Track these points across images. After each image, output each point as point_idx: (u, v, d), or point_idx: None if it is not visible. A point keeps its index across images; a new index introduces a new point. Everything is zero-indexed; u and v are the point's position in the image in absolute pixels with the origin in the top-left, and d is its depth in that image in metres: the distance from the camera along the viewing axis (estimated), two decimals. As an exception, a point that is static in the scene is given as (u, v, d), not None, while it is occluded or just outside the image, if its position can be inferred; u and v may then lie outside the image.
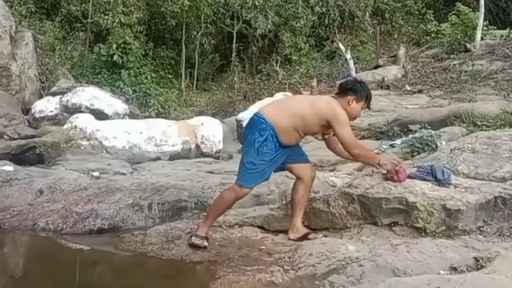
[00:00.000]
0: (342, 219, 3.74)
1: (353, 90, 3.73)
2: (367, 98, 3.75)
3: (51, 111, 8.23)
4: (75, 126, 6.90)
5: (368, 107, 3.85)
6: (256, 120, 3.66)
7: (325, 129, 3.79)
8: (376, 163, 3.74)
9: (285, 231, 3.82)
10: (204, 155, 7.44)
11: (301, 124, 3.65)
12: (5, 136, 7.06)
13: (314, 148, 6.36)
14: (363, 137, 6.87)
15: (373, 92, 9.37)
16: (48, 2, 12.77)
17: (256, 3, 13.87)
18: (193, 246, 3.67)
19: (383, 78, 10.09)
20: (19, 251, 4.28)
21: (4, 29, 8.76)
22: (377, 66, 11.52)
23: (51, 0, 12.80)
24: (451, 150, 4.58)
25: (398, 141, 5.68)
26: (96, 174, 5.29)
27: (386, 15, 15.20)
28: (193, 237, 3.70)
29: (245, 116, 9.04)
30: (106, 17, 11.97)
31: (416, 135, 5.45)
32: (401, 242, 3.33)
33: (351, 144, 3.65)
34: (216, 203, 3.80)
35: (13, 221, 4.40)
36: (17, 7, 11.12)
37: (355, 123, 7.25)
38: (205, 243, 3.68)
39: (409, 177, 3.75)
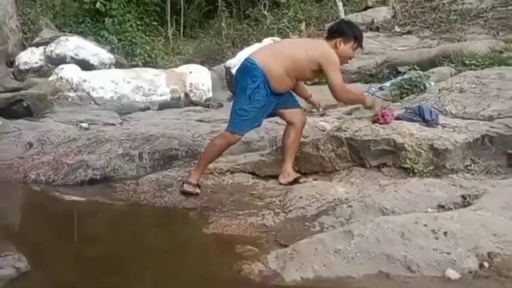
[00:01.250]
0: (331, 163, 3.78)
1: (339, 31, 3.67)
2: (356, 38, 3.67)
3: (36, 63, 8.05)
4: (61, 78, 6.77)
5: (360, 46, 3.77)
6: (248, 66, 3.61)
7: (317, 74, 3.75)
8: (365, 105, 3.75)
9: (276, 177, 3.86)
10: (193, 103, 7.38)
11: (292, 69, 3.61)
12: (-10, 90, 6.93)
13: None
14: (352, 81, 6.84)
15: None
16: None
17: None
18: (185, 193, 3.71)
19: (372, 20, 9.93)
20: (11, 203, 4.29)
21: (-20, -22, 8.43)
22: (366, 8, 11.28)
23: None
24: (439, 90, 4.58)
25: (387, 84, 5.67)
26: (85, 125, 5.26)
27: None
28: (185, 184, 3.74)
29: (234, 63, 8.90)
30: (87, -37, 11.50)
31: (405, 76, 5.43)
32: (390, 183, 3.38)
33: (339, 90, 3.61)
34: (207, 150, 3.81)
35: (3, 175, 4.41)
36: (-8, -46, 10.64)
37: (345, 66, 7.22)
38: (197, 190, 3.72)
39: (397, 118, 3.77)
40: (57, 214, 3.84)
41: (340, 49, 3.62)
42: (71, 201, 4.09)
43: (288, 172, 3.77)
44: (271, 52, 3.76)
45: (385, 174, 3.60)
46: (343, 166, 3.74)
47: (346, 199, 3.26)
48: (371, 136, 3.59)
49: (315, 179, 3.70)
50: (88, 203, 4.03)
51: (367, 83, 6.41)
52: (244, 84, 3.58)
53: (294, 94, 3.93)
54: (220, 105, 7.54)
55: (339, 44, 3.62)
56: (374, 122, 3.71)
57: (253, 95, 3.56)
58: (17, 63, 8.24)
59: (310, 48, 3.69)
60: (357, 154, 3.67)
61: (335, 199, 3.29)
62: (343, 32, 3.67)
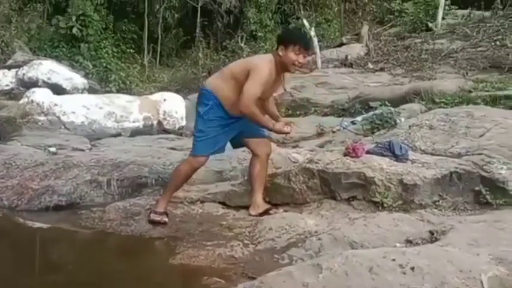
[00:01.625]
0: (303, 194, 3.77)
1: (279, 39, 3.75)
2: (296, 41, 3.59)
3: (7, 85, 7.91)
4: (32, 101, 6.64)
5: (305, 49, 3.65)
6: (202, 92, 3.71)
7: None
8: (270, 127, 3.69)
9: (247, 207, 3.83)
10: (166, 131, 7.32)
11: (236, 86, 3.56)
12: (-43, 111, 6.75)
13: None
14: (326, 114, 6.92)
15: (336, 70, 9.41)
16: (3, -29, 12.18)
17: (221, -23, 13.65)
18: (152, 222, 3.64)
19: (346, 56, 10.15)
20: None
21: (-46, -2, 8.33)
22: (341, 44, 11.55)
23: (5, -31, 12.21)
24: (410, 126, 4.67)
25: (359, 118, 5.75)
26: (53, 149, 5.13)
27: (352, -8, 15.23)
28: (152, 214, 3.67)
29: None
30: (65, -12, 11.53)
31: (377, 112, 5.52)
32: (360, 216, 3.39)
33: (246, 100, 3.45)
34: (173, 177, 3.78)
35: (-34, 198, 4.24)
36: (-32, -24, 10.59)
37: (319, 100, 7.34)
38: (165, 219, 3.65)
39: (368, 152, 3.81)
40: (19, 241, 3.70)
41: (283, 56, 3.59)
42: (34, 228, 3.95)
43: (258, 203, 3.74)
44: (220, 74, 3.81)
45: (355, 207, 3.62)
46: (314, 198, 3.74)
47: (316, 231, 3.24)
48: (342, 169, 3.61)
49: (286, 211, 3.68)
50: (52, 230, 3.90)
51: (340, 116, 6.49)
52: (199, 109, 3.68)
53: None
54: (193, 134, 7.48)
55: (281, 51, 3.60)
56: (345, 155, 3.74)
57: (206, 115, 3.63)
58: (-13, 85, 8.08)
59: (248, 61, 3.80)
60: (328, 186, 3.68)
61: (305, 231, 3.28)
62: (282, 38, 3.73)
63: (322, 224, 3.34)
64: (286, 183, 3.82)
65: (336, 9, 14.57)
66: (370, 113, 5.63)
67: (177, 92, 10.03)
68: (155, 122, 7.32)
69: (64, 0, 11.74)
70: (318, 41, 10.56)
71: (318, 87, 7.88)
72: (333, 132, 5.67)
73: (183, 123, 7.63)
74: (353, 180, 3.59)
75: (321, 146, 5.28)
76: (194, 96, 9.51)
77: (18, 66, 8.27)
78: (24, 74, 7.92)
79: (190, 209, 3.93)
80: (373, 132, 5.23)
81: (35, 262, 3.20)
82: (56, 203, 4.10)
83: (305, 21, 11.47)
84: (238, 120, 3.65)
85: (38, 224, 3.97)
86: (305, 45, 3.65)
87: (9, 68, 8.37)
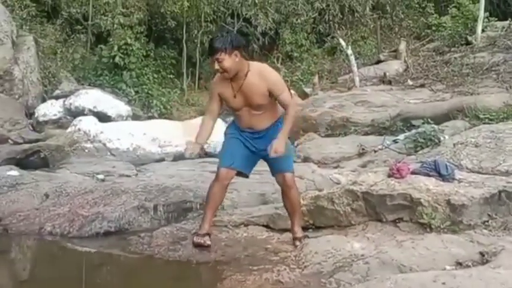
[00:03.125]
0: (347, 217, 3.76)
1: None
2: (235, 45, 3.55)
3: (55, 115, 8.25)
4: (79, 129, 6.92)
5: (244, 50, 3.67)
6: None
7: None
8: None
9: (291, 230, 3.83)
10: (208, 154, 7.43)
11: None
12: (9, 141, 7.08)
13: (317, 145, 6.38)
14: (366, 133, 6.87)
15: (375, 88, 9.37)
16: (49, 5, 12.77)
17: (256, 0, 13.87)
18: (197, 245, 3.69)
19: (384, 73, 10.09)
20: (26, 255, 4.31)
21: (6, 33, 8.78)
22: (378, 61, 11.50)
23: (51, 3, 12.80)
24: (454, 144, 4.60)
25: (401, 137, 5.69)
26: (101, 177, 5.31)
27: (387, 9, 15.16)
28: (195, 237, 3.73)
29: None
30: (106, 19, 11.98)
31: (419, 130, 5.46)
32: (407, 238, 3.35)
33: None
34: (207, 196, 3.84)
35: (20, 226, 4.41)
36: (18, 11, 11.12)
37: (359, 119, 7.29)
38: (208, 242, 3.69)
39: (413, 173, 3.77)
40: (69, 267, 3.82)
41: (237, 61, 3.58)
42: (85, 253, 4.08)
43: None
44: None
45: (401, 229, 3.58)
46: (359, 220, 3.72)
47: (363, 255, 3.21)
48: (387, 191, 3.59)
49: (330, 234, 3.67)
50: (102, 256, 4.01)
51: (381, 135, 6.43)
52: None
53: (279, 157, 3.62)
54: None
55: (236, 57, 3.58)
56: (389, 176, 3.72)
57: (226, 131, 3.86)
58: (36, 115, 8.45)
59: None
60: (373, 208, 3.65)
61: (351, 255, 3.25)
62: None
63: (369, 247, 3.31)
64: (330, 206, 3.81)
65: (372, 26, 14.52)
66: (413, 131, 5.56)
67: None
68: (197, 146, 7.44)
69: (106, 31, 12.17)
70: (355, 59, 10.55)
71: (357, 105, 7.84)
72: (375, 151, 5.63)
73: (224, 146, 7.72)
74: (399, 202, 3.56)
75: (363, 166, 5.26)
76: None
77: (65, 96, 8.62)
78: (71, 104, 8.24)
79: (235, 233, 3.97)
80: (416, 151, 5.16)
81: (87, 286, 3.28)
82: (105, 229, 4.22)
83: (341, 40, 11.50)
84: (250, 134, 3.69)
85: (88, 250, 4.10)
86: (242, 44, 3.65)
87: (56, 98, 8.74)
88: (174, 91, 12.63)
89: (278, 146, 3.47)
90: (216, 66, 3.55)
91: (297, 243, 3.62)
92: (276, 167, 3.71)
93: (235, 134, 3.77)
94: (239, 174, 3.85)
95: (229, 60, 3.50)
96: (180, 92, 13.12)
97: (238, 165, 3.75)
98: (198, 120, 8.12)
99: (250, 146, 3.72)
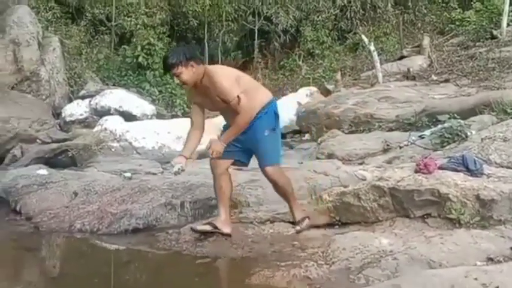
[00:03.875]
0: (374, 213, 3.73)
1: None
2: (188, 57, 3.63)
3: (81, 115, 8.41)
4: (105, 129, 7.04)
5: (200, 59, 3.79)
6: None
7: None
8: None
9: (317, 226, 3.84)
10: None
11: None
12: (37, 140, 7.24)
13: (341, 142, 6.35)
14: (391, 129, 6.81)
15: (398, 84, 9.25)
16: (73, 6, 13.01)
17: (277, -2, 13.89)
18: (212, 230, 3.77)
19: (408, 69, 9.97)
20: (57, 252, 4.42)
21: (32, 35, 8.96)
22: (402, 57, 11.37)
23: (75, 5, 13.04)
24: (482, 139, 4.53)
25: (427, 132, 5.61)
26: (128, 175, 5.39)
27: (409, 4, 14.98)
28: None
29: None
30: (129, 19, 12.13)
31: (446, 125, 5.37)
32: (435, 234, 3.32)
33: None
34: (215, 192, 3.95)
35: (50, 224, 4.53)
36: (43, 13, 11.36)
37: (383, 115, 7.23)
38: (226, 230, 3.78)
39: (440, 168, 3.73)
40: (99, 263, 3.91)
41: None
42: (114, 250, 4.16)
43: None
44: None
45: (430, 225, 3.54)
46: (386, 216, 3.69)
47: (391, 251, 3.19)
48: (414, 186, 3.55)
49: (358, 230, 3.66)
50: (131, 252, 4.07)
51: (406, 131, 6.36)
52: None
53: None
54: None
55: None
56: (416, 171, 3.68)
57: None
58: (63, 115, 8.61)
59: None
60: (400, 204, 3.62)
61: (379, 251, 3.24)
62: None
63: (397, 243, 3.29)
64: (356, 202, 3.79)
65: (394, 22, 14.38)
66: (439, 127, 5.48)
67: (238, 113, 10.23)
68: (220, 144, 7.49)
69: (129, 31, 12.33)
70: (378, 55, 10.46)
71: (381, 101, 7.77)
72: (400, 147, 5.57)
73: (247, 143, 7.75)
74: (426, 197, 3.52)
75: (389, 162, 5.21)
76: (256, 116, 9.73)
77: (90, 96, 8.77)
78: (97, 103, 8.38)
79: (261, 229, 3.99)
80: (443, 146, 5.09)
81: (114, 283, 3.34)
82: (134, 226, 4.29)
83: (363, 36, 11.41)
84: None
85: (118, 247, 4.18)
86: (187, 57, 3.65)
87: (82, 98, 8.89)
88: (196, 90, 12.71)
89: (215, 149, 3.67)
90: (176, 80, 3.70)
91: (297, 227, 3.83)
92: (259, 162, 3.84)
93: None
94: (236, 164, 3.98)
95: (186, 72, 3.60)
96: (202, 90, 13.19)
97: (231, 157, 3.85)
98: (221, 118, 8.23)
99: (235, 143, 3.77)
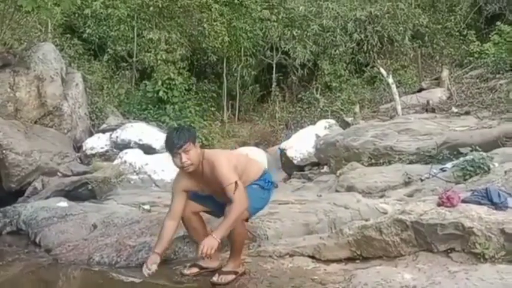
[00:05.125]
0: (396, 247, 3.66)
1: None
2: (193, 136, 3.72)
3: (102, 148, 8.51)
4: (125, 161, 7.10)
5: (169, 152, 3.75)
6: None
7: None
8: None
9: (337, 261, 3.77)
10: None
11: None
12: (58, 173, 7.32)
13: (361, 175, 6.29)
14: (411, 162, 6.73)
15: (418, 116, 9.22)
16: (96, 43, 13.38)
17: (294, 33, 14.07)
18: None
19: (428, 101, 9.94)
20: (75, 285, 4.39)
21: (56, 71, 9.18)
22: (421, 89, 11.38)
23: (98, 42, 13.40)
24: (506, 172, 4.45)
25: (448, 165, 5.54)
26: (146, 207, 5.39)
27: (426, 38, 15.06)
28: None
29: (288, 145, 9.08)
30: (150, 55, 12.41)
31: (467, 158, 5.31)
32: (460, 269, 3.22)
33: None
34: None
35: (69, 256, 4.52)
36: (67, 50, 11.69)
37: (403, 147, 7.16)
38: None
39: (464, 201, 3.66)
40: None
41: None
42: (132, 283, 4.11)
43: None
44: None
45: (453, 259, 3.45)
46: (409, 251, 3.61)
47: (414, 286, 3.10)
48: (437, 220, 3.48)
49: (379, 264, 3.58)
50: (148, 286, 4.02)
51: (427, 164, 6.29)
52: None
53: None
54: (276, 186, 7.56)
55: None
56: (439, 205, 3.61)
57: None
58: (84, 148, 8.72)
59: None
60: (423, 238, 3.55)
61: (402, 286, 3.14)
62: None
63: (420, 278, 3.20)
64: (378, 236, 3.72)
65: (412, 55, 14.44)
66: (461, 159, 5.41)
67: (256, 145, 10.30)
68: (238, 177, 7.49)
69: (150, 66, 12.59)
70: (396, 87, 10.47)
71: (401, 134, 7.71)
72: (422, 180, 5.50)
73: (266, 176, 7.73)
74: (450, 231, 3.44)
75: (410, 195, 5.13)
76: (273, 148, 9.77)
77: (111, 129, 8.89)
78: (117, 137, 8.49)
79: (280, 263, 3.92)
80: (465, 179, 5.01)
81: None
82: (152, 259, 4.25)
83: (381, 69, 11.45)
84: None
85: (135, 280, 4.13)
86: (167, 149, 3.69)
87: (103, 131, 9.02)
88: (215, 123, 12.87)
89: (209, 246, 3.39)
90: (184, 159, 3.56)
91: (215, 278, 3.64)
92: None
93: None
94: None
95: (194, 151, 3.59)
96: (221, 124, 13.34)
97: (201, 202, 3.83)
98: (239, 150, 8.26)
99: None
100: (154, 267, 3.60)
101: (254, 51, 14.63)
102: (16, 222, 5.36)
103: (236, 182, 3.49)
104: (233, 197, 3.46)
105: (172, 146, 3.61)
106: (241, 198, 3.48)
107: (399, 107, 9.80)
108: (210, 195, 3.80)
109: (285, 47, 14.38)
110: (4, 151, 6.82)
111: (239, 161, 3.81)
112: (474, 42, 14.16)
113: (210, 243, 3.40)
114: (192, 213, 3.85)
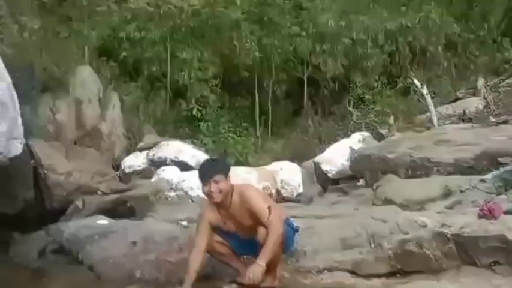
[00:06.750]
0: (437, 261, 3.61)
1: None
2: (227, 168, 3.87)
3: (139, 166, 8.69)
4: (162, 178, 7.23)
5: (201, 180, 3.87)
6: None
7: None
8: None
9: (378, 276, 3.73)
10: (285, 199, 7.48)
11: None
12: (98, 192, 7.50)
13: (398, 187, 6.21)
14: (450, 173, 6.60)
15: (454, 126, 9.05)
16: (131, 65, 13.70)
17: (325, 47, 14.08)
18: None
19: (464, 111, 9.76)
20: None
21: (93, 93, 9.50)
22: (456, 99, 11.18)
23: (133, 64, 13.73)
24: (549, 182, 4.32)
25: (489, 176, 5.41)
26: (185, 223, 5.47)
27: (460, 47, 14.82)
28: None
29: (323, 159, 9.06)
30: (183, 74, 12.62)
31: (508, 168, 5.18)
32: (504, 283, 3.17)
33: None
34: None
35: (110, 272, 4.63)
36: (103, 72, 12.01)
37: (441, 159, 7.04)
38: None
39: (506, 213, 3.58)
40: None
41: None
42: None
43: None
44: None
45: (497, 272, 3.40)
46: (451, 265, 3.56)
47: (459, 301, 3.05)
48: (479, 232, 3.43)
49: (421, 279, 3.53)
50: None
51: (465, 175, 6.14)
52: None
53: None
54: (311, 200, 7.58)
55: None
56: (480, 217, 3.55)
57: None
58: (122, 166, 8.93)
59: None
60: (465, 252, 3.49)
61: (445, 301, 3.10)
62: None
63: (464, 292, 3.15)
64: (419, 250, 3.68)
65: (445, 64, 14.21)
66: (501, 170, 5.29)
67: (290, 160, 10.28)
68: (274, 191, 7.53)
69: (183, 85, 12.80)
70: (431, 98, 10.32)
71: (438, 145, 7.57)
72: (461, 192, 5.39)
73: (300, 190, 7.77)
74: (493, 244, 3.38)
75: (450, 207, 5.03)
76: (308, 163, 9.73)
77: (148, 148, 9.09)
78: (154, 155, 8.67)
79: (319, 279, 3.93)
80: (506, 190, 4.88)
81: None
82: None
83: (415, 80, 11.33)
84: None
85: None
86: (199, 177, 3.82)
87: (140, 150, 9.22)
88: (248, 139, 12.92)
89: (255, 274, 3.46)
90: (213, 188, 3.64)
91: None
92: None
93: None
94: None
95: (225, 182, 3.67)
96: (254, 139, 13.40)
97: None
98: (273, 166, 8.29)
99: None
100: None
101: (285, 66, 14.68)
102: (59, 240, 5.52)
103: (269, 207, 3.53)
104: (269, 220, 3.50)
105: (204, 175, 3.76)
106: (277, 220, 3.55)
107: (435, 118, 9.65)
108: (234, 233, 3.82)
109: (315, 61, 14.38)
110: (46, 172, 7.05)
111: (267, 198, 3.92)
112: (509, 49, 13.84)
113: (255, 271, 3.47)
114: (215, 241, 3.92)
